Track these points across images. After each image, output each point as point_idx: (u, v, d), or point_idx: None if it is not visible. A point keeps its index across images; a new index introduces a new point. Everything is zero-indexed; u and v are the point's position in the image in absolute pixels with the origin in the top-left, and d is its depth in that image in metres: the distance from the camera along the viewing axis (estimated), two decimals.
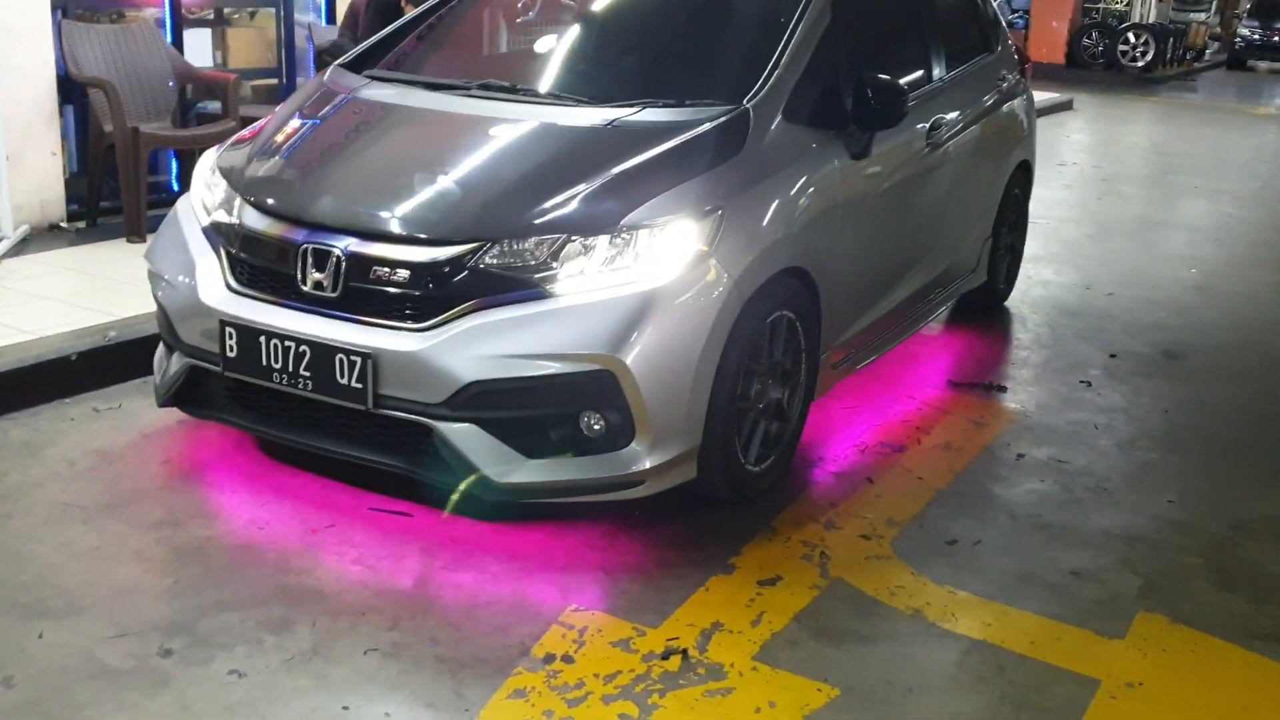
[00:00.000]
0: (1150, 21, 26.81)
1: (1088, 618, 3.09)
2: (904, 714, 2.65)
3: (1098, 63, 23.65)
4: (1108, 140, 14.05)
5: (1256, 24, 28.92)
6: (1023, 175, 5.81)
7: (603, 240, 3.16)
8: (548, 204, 3.23)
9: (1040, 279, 6.53)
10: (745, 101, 3.58)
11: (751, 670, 2.77)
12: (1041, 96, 16.36)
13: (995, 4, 5.15)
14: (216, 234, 3.54)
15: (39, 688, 2.59)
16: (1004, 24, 5.87)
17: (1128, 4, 29.04)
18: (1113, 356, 5.26)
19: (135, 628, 2.82)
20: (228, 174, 3.66)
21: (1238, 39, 28.78)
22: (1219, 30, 31.86)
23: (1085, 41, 24.13)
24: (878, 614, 3.06)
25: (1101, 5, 28.16)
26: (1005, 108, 5.45)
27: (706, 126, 3.49)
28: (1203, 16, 29.19)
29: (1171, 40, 25.27)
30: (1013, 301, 6.00)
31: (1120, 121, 15.89)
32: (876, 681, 2.76)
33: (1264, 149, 13.65)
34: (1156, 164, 12.23)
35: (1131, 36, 24.21)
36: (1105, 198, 9.47)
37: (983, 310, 5.76)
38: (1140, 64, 23.72)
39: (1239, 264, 7.33)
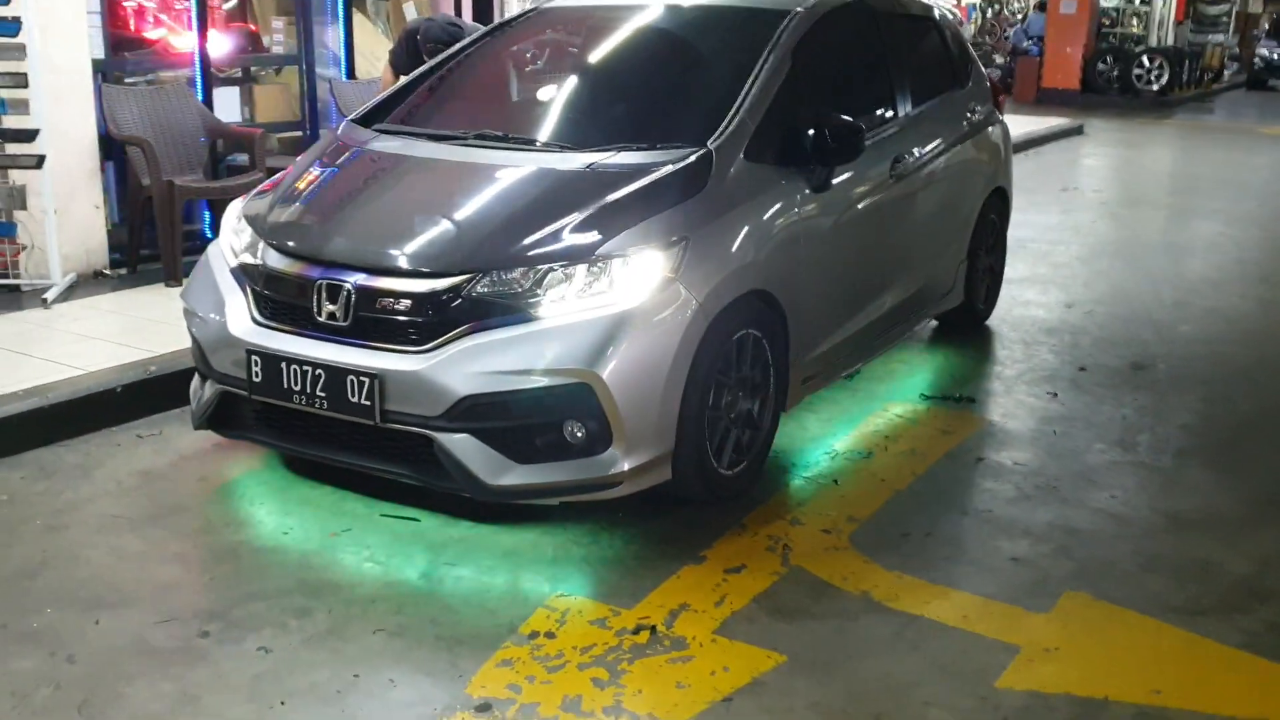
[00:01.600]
0: (1166, 45, 27.06)
1: (1019, 596, 3.45)
2: (841, 676, 3.02)
3: (1113, 87, 23.94)
4: (1114, 164, 14.37)
5: (1276, 44, 29.16)
6: (999, 201, 6.18)
7: (581, 269, 3.58)
8: (533, 238, 3.65)
9: (1023, 299, 6.89)
10: (709, 144, 3.99)
11: (711, 642, 3.16)
12: (1051, 123, 16.75)
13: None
14: (243, 274, 3.98)
15: (98, 663, 3.01)
16: (976, 59, 6.26)
17: (1144, 28, 29.31)
18: (1082, 370, 5.61)
19: (178, 615, 3.25)
20: (252, 220, 4.11)
21: (1257, 59, 29.02)
22: (1238, 51, 32.07)
23: (1100, 66, 24.43)
24: (829, 595, 3.43)
25: (1117, 30, 28.45)
26: (976, 138, 5.83)
27: (673, 167, 3.90)
28: (1220, 38, 29.39)
29: (1187, 62, 25.51)
30: (993, 320, 6.36)
31: (1130, 145, 16.19)
32: (820, 650, 3.14)
33: (1269, 168, 13.91)
34: (1158, 186, 12.55)
35: (1146, 60, 24.47)
36: (1100, 220, 9.81)
37: (963, 329, 6.12)
38: (1156, 87, 23.96)
39: (1220, 281, 7.65)
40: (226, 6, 7.63)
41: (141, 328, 5.44)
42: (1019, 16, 27.57)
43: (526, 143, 4.27)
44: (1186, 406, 5.17)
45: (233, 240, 4.14)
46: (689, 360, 3.63)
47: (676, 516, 3.87)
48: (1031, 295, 7.01)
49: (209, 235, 6.89)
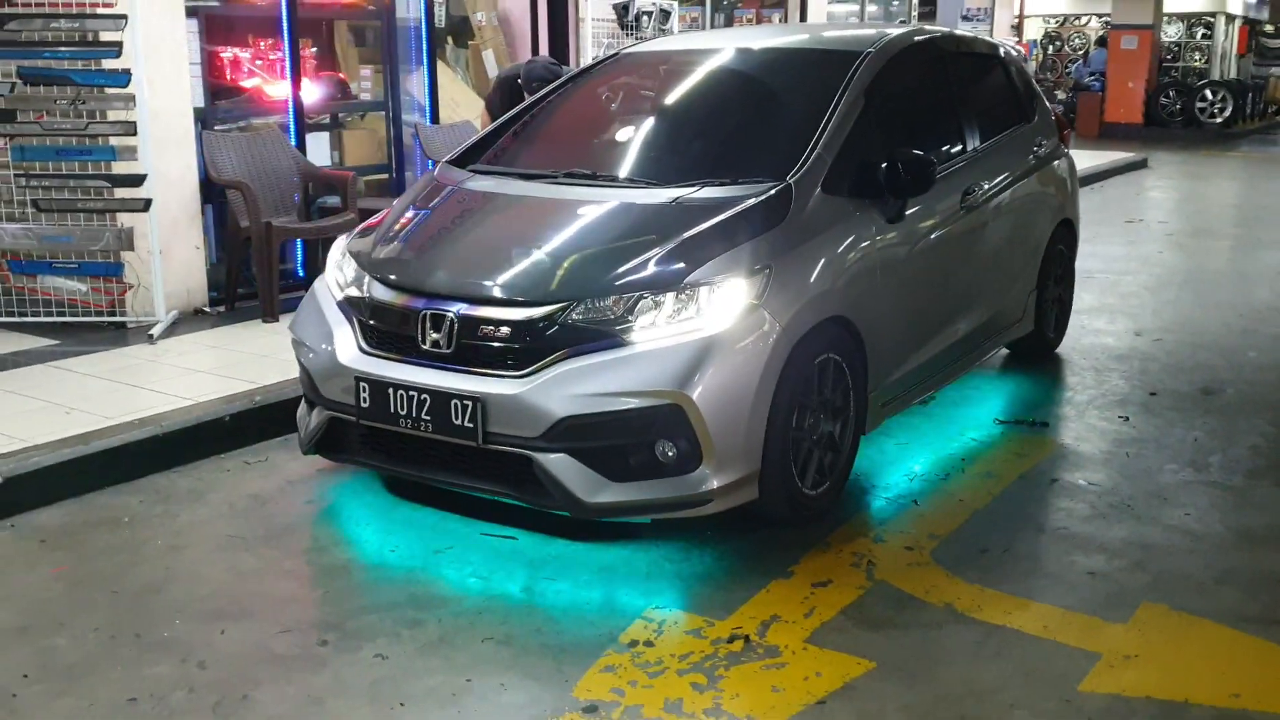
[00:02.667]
0: (1229, 78, 26.89)
1: (1097, 607, 3.56)
2: (927, 681, 3.16)
3: (1176, 120, 23.84)
4: (1178, 197, 14.35)
5: None
6: (1066, 232, 6.29)
7: (670, 297, 3.78)
8: (624, 268, 3.86)
9: (1092, 328, 6.99)
10: (788, 178, 4.19)
11: (802, 650, 3.31)
12: (1114, 157, 16.79)
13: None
14: (349, 306, 4.23)
15: (226, 669, 3.23)
16: (1041, 95, 6.41)
17: (1206, 62, 29.14)
18: (1152, 394, 5.70)
19: (296, 626, 3.46)
20: (357, 256, 4.36)
21: None
22: None
23: (1163, 100, 24.34)
24: (914, 607, 3.57)
25: (1180, 64, 28.32)
26: (1043, 171, 5.96)
27: (754, 200, 4.10)
28: None
29: (1251, 95, 25.37)
30: (1063, 348, 6.45)
31: (1194, 178, 16.16)
32: (908, 657, 3.28)
33: None
34: (1223, 218, 12.54)
35: (1209, 93, 24.36)
36: (1166, 251, 9.85)
37: (1033, 357, 6.23)
38: (1219, 120, 23.84)
39: None
40: (312, 50, 7.97)
41: (242, 361, 5.72)
42: (1080, 52, 27.57)
43: (614, 180, 4.50)
44: (1256, 429, 5.24)
45: (338, 275, 4.39)
46: (774, 383, 3.80)
47: (763, 535, 4.03)
48: (1101, 324, 7.10)
49: (301, 274, 7.20)
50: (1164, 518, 4.23)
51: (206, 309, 6.70)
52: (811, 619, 3.48)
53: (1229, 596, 3.64)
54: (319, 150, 7.62)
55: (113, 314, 6.34)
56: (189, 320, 6.51)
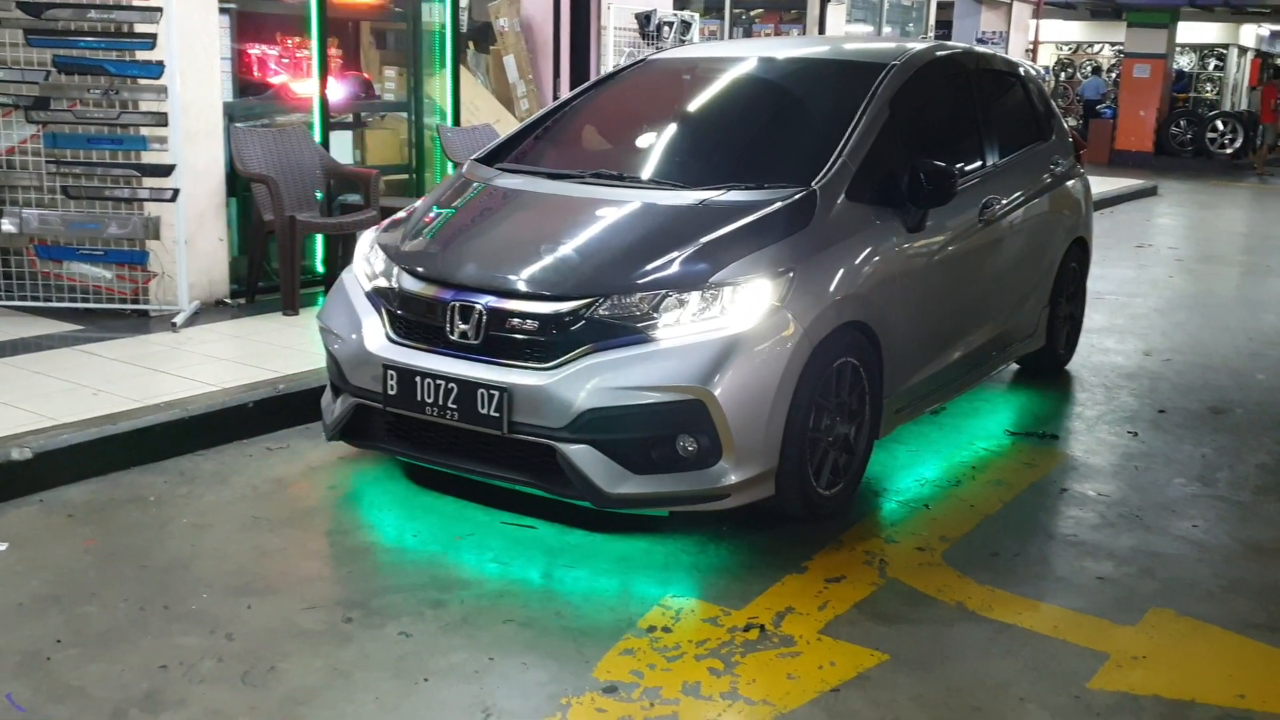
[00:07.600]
0: (1240, 109, 27.04)
1: (1106, 610, 3.64)
2: (941, 674, 3.23)
3: (1186, 150, 23.97)
4: (1188, 224, 14.45)
5: None
6: (1079, 251, 6.38)
7: (695, 295, 3.87)
8: (650, 267, 3.95)
9: (1102, 347, 7.07)
10: (813, 184, 4.28)
11: (817, 640, 3.38)
12: (1126, 183, 16.92)
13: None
14: (378, 297, 4.31)
15: (254, 641, 3.30)
16: (1059, 115, 6.51)
17: (1217, 93, 29.30)
18: (1161, 412, 5.77)
19: (322, 603, 3.54)
20: (386, 248, 4.45)
21: None
22: None
23: (1173, 129, 24.48)
24: (926, 604, 3.64)
25: (1190, 94, 28.47)
26: (1058, 189, 6.05)
27: (780, 204, 4.19)
28: None
29: (1261, 127, 25.50)
30: (1073, 366, 6.54)
31: (1203, 206, 16.27)
32: (920, 651, 3.35)
33: None
34: (1232, 245, 12.63)
35: (1219, 124, 24.52)
36: (1176, 275, 9.94)
37: (1044, 373, 6.31)
38: (1229, 150, 23.98)
39: None
40: (338, 50, 8.07)
41: (263, 351, 5.81)
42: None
43: (640, 181, 4.59)
44: (1264, 447, 5.31)
45: (366, 267, 4.47)
46: (794, 383, 3.88)
47: (777, 531, 4.11)
48: (1110, 343, 7.18)
49: (321, 269, 7.29)
50: (1172, 528, 4.30)
51: (227, 300, 6.79)
52: (825, 612, 3.55)
53: (1236, 604, 3.71)
54: (342, 148, 7.72)
55: (136, 302, 6.42)
56: (210, 311, 6.60)
